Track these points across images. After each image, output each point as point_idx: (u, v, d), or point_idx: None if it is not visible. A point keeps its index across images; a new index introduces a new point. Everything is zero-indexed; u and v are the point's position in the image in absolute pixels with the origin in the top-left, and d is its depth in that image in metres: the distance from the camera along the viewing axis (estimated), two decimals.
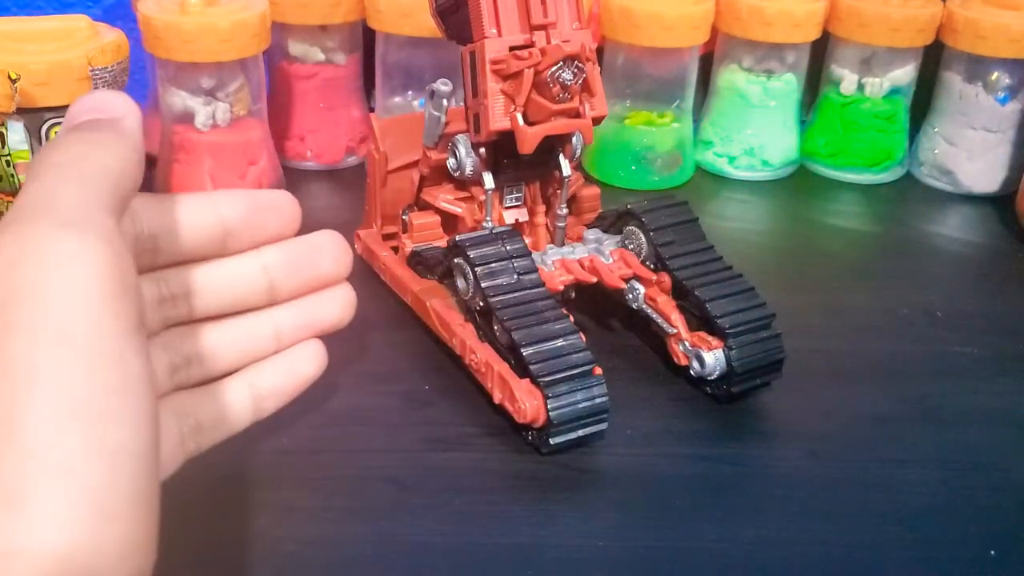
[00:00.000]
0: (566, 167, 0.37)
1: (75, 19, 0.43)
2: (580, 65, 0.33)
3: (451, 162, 0.38)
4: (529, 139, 0.34)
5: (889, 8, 0.55)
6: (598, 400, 0.33)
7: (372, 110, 0.57)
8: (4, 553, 0.18)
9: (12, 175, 0.42)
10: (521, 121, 0.34)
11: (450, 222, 0.39)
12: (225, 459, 0.33)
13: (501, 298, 0.34)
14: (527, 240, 0.39)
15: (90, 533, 0.18)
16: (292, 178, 0.55)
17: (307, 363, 0.32)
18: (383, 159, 0.38)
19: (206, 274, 0.30)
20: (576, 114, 0.35)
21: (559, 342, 0.33)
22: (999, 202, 0.57)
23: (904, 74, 0.58)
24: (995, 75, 0.56)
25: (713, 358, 0.36)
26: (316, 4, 0.52)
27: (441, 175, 0.39)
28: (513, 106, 0.34)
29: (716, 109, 0.59)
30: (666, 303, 0.37)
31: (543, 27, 0.34)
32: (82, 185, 0.23)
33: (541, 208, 0.39)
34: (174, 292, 0.30)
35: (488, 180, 0.36)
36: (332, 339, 0.35)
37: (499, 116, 0.35)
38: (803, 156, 0.60)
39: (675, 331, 0.37)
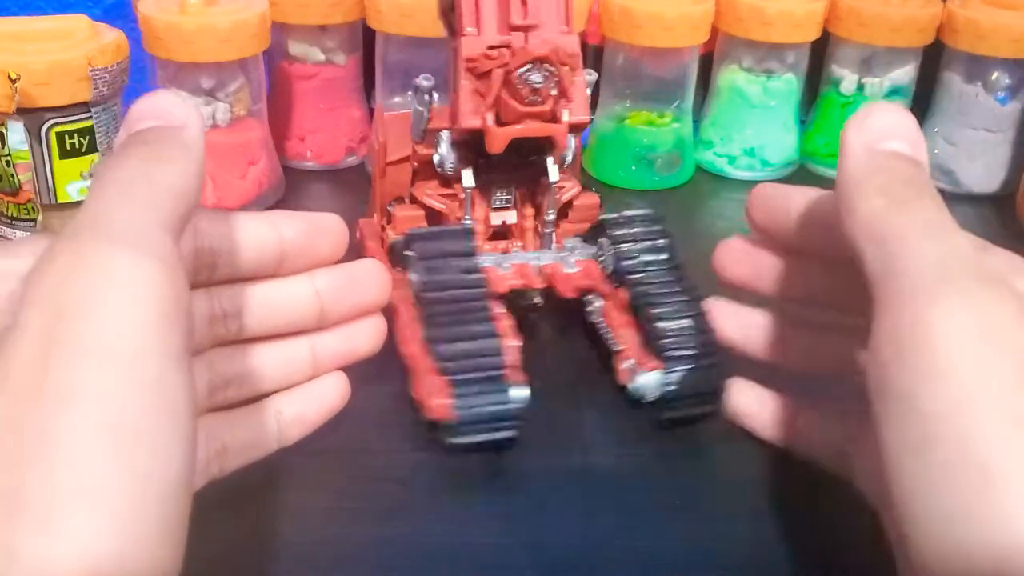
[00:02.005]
0: (553, 172, 0.37)
1: (75, 19, 0.43)
2: (551, 69, 0.33)
3: (436, 157, 0.38)
4: (497, 139, 0.34)
5: (889, 8, 0.55)
6: (506, 406, 0.33)
7: (372, 110, 0.57)
8: (27, 569, 0.18)
9: (12, 175, 0.42)
10: (491, 121, 0.34)
11: (435, 218, 0.39)
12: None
13: (433, 294, 0.34)
14: (517, 244, 0.39)
15: (113, 555, 0.18)
16: (292, 178, 0.55)
17: (333, 393, 0.32)
18: (382, 150, 0.38)
19: (261, 294, 0.30)
20: (552, 118, 0.35)
21: (476, 343, 0.33)
22: (999, 202, 0.57)
23: (904, 74, 0.58)
24: (995, 75, 0.56)
25: (648, 379, 0.35)
26: (316, 4, 0.52)
27: (430, 170, 0.39)
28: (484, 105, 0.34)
29: (716, 109, 0.59)
30: (619, 319, 0.37)
31: (523, 28, 0.34)
32: (143, 203, 0.22)
33: (530, 212, 0.38)
34: (227, 310, 0.29)
35: (467, 178, 0.36)
36: None
37: (469, 114, 0.35)
38: (803, 156, 0.60)
39: (620, 348, 0.36)
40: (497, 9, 0.35)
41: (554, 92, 0.34)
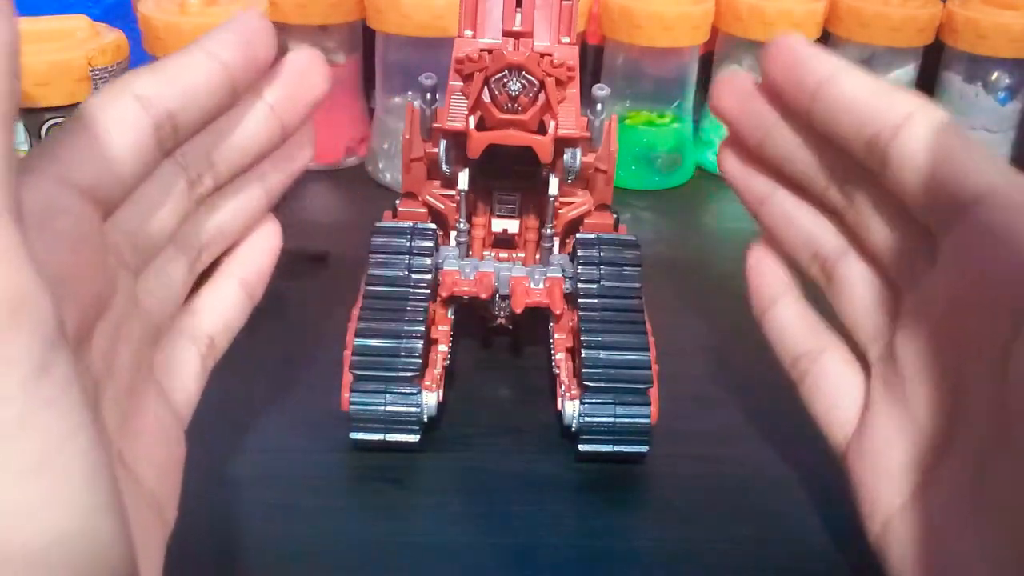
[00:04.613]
0: (553, 186, 0.36)
1: (75, 19, 0.43)
2: (528, 77, 0.31)
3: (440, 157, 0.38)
4: (474, 143, 0.34)
5: (889, 8, 0.55)
6: (406, 408, 0.33)
7: (372, 110, 0.57)
8: None
9: None
10: (472, 124, 0.33)
11: (437, 217, 0.39)
12: (224, 459, 0.33)
13: (373, 288, 0.35)
14: (519, 254, 0.39)
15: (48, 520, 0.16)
16: None
17: (273, 237, 0.30)
18: (407, 145, 0.38)
19: (225, 140, 0.27)
20: (540, 129, 0.33)
21: (393, 342, 0.33)
22: None
23: (904, 74, 0.58)
24: (995, 75, 0.56)
25: (571, 408, 0.34)
26: (316, 4, 0.52)
27: (437, 169, 0.39)
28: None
29: None
30: (560, 341, 0.36)
31: (516, 35, 0.34)
32: None
33: (533, 223, 0.38)
34: (200, 170, 0.27)
35: (463, 180, 0.36)
36: (331, 337, 0.35)
37: (452, 115, 0.34)
38: None
39: (556, 372, 0.36)
40: (498, 15, 0.35)
41: (540, 102, 0.32)
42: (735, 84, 0.30)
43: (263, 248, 0.30)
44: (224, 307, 0.29)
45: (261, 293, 0.30)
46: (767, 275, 0.32)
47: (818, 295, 0.30)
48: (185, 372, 0.27)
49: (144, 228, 0.25)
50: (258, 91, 0.28)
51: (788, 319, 0.31)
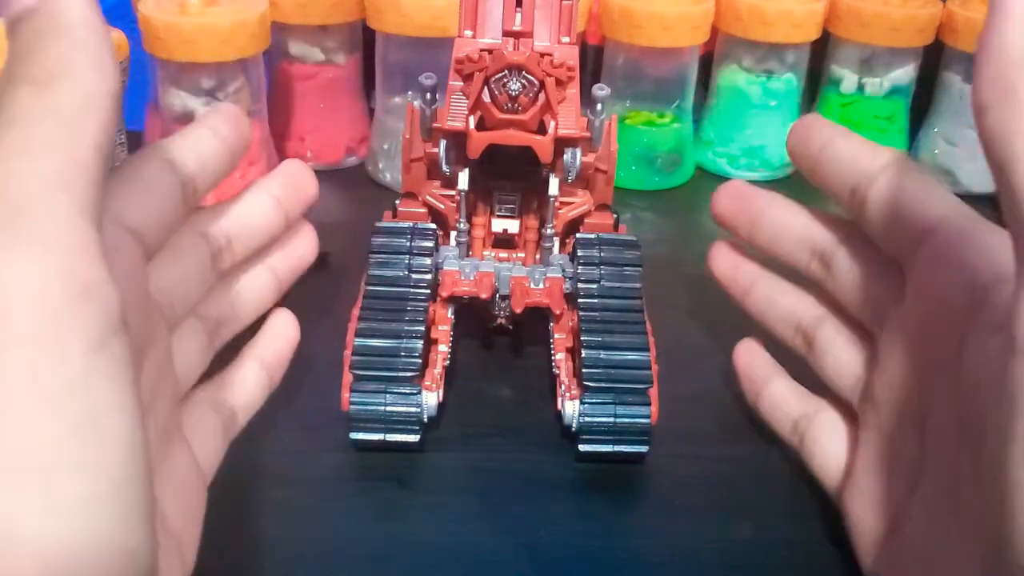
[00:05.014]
0: (553, 186, 0.36)
1: None
2: (528, 77, 0.31)
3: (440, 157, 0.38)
4: (473, 143, 0.34)
5: (889, 8, 0.55)
6: (406, 408, 0.33)
7: (372, 110, 0.57)
8: None
9: None
10: (472, 124, 0.33)
11: (437, 217, 0.39)
12: (224, 459, 0.33)
13: (373, 288, 0.35)
14: (520, 254, 0.39)
15: (74, 528, 0.17)
16: None
17: (290, 328, 0.33)
18: (407, 145, 0.38)
19: (240, 217, 0.31)
20: (540, 129, 0.33)
21: (393, 342, 0.33)
22: (999, 202, 0.57)
23: (904, 74, 0.58)
24: None
25: (567, 408, 0.34)
26: (316, 4, 0.52)
27: (437, 169, 0.38)
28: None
29: (716, 109, 0.59)
30: (560, 341, 0.36)
31: (516, 35, 0.34)
32: (19, 169, 0.18)
33: (533, 223, 0.38)
34: (220, 245, 0.30)
35: (463, 180, 0.36)
36: (331, 337, 0.35)
37: (452, 115, 0.35)
38: None
39: (556, 372, 0.36)
40: (498, 15, 0.35)
41: (540, 102, 0.32)
42: (731, 186, 0.36)
43: (283, 335, 0.33)
44: (246, 385, 0.31)
45: (280, 378, 0.33)
46: (755, 362, 0.36)
47: (802, 369, 0.34)
48: (208, 438, 0.28)
49: (177, 287, 0.28)
50: (261, 184, 0.32)
51: (780, 393, 0.34)
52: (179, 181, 0.27)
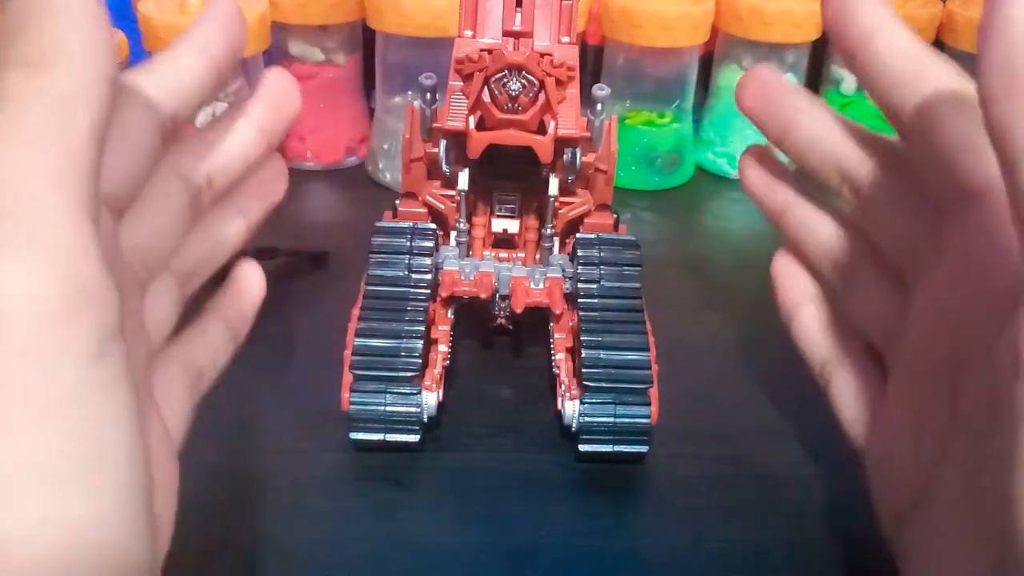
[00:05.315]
0: (553, 186, 0.36)
1: None
2: (528, 77, 0.31)
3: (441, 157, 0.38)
4: (474, 143, 0.33)
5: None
6: (406, 408, 0.33)
7: (372, 110, 0.58)
8: None
9: None
10: (472, 124, 0.33)
11: (437, 217, 0.39)
12: (223, 459, 0.33)
13: (373, 288, 0.35)
14: (520, 254, 0.39)
15: (72, 527, 0.17)
16: (292, 178, 0.54)
17: (256, 283, 0.30)
18: (407, 145, 0.38)
19: (221, 152, 0.28)
20: (540, 129, 0.33)
21: (393, 342, 0.33)
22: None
23: None
24: None
25: (567, 408, 0.34)
26: (316, 4, 0.52)
27: (437, 169, 0.38)
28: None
29: (716, 109, 0.59)
30: (560, 341, 0.36)
31: (516, 35, 0.34)
32: (14, 162, 0.17)
33: (533, 223, 0.38)
34: (200, 184, 0.27)
35: (463, 180, 0.36)
36: (331, 337, 0.35)
37: (452, 115, 0.34)
38: None
39: (556, 372, 0.36)
40: (498, 15, 0.35)
41: (540, 101, 0.32)
42: (759, 78, 0.32)
43: (250, 292, 0.30)
44: (212, 343, 0.29)
45: (244, 336, 0.30)
46: (791, 283, 0.33)
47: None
48: (176, 403, 0.26)
49: (152, 243, 0.25)
50: (244, 110, 0.28)
51: (812, 326, 0.32)
52: (158, 122, 0.24)
